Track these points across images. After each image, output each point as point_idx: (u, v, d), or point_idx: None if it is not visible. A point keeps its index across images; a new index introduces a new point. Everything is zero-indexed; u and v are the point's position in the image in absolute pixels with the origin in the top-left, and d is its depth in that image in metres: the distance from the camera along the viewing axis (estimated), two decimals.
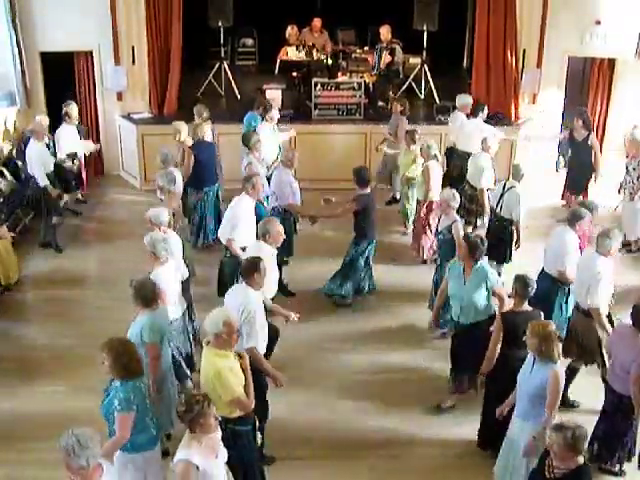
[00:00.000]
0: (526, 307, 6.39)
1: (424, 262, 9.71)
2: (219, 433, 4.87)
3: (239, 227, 7.97)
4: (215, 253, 9.84)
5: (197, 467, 4.61)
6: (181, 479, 4.63)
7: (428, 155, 9.54)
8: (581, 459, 4.74)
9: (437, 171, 9.59)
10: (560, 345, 5.53)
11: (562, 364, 5.72)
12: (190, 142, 10.06)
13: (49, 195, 9.94)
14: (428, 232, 9.55)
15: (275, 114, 10.38)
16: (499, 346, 6.36)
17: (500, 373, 6.33)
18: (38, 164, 9.88)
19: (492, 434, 6.35)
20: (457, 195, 8.20)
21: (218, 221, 9.97)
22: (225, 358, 5.36)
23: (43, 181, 9.88)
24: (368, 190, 8.66)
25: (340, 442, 6.80)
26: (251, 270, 6.28)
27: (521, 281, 6.34)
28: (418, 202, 9.95)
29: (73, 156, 10.71)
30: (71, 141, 10.79)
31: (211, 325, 5.35)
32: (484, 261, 6.98)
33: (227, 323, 5.32)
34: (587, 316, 6.89)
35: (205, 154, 10.03)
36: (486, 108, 10.98)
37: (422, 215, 9.66)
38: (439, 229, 8.25)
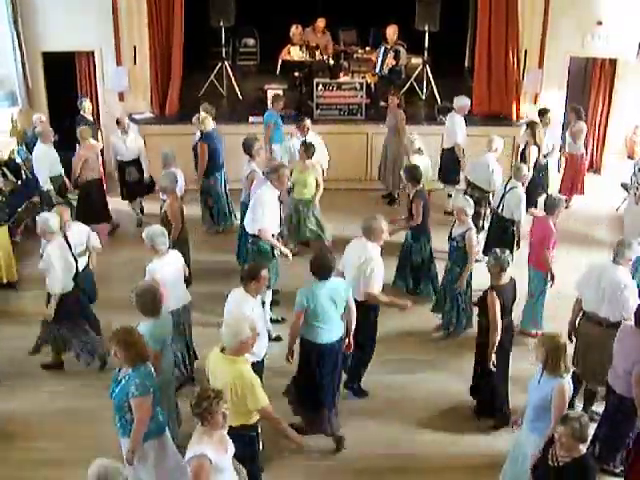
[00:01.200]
0: (506, 279, 6.62)
1: None
2: (226, 429, 4.88)
3: (265, 215, 8.00)
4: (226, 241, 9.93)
5: (210, 461, 4.63)
6: (196, 475, 4.64)
7: (412, 149, 9.81)
8: (584, 448, 4.83)
9: (422, 164, 9.64)
10: (569, 358, 5.49)
11: None
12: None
13: (49, 199, 9.94)
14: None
15: (309, 124, 10.28)
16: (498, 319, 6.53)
17: (485, 343, 6.69)
18: (42, 166, 9.89)
19: (483, 401, 6.98)
20: (472, 202, 8.19)
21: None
22: (246, 364, 5.36)
23: (46, 184, 9.89)
24: (421, 185, 8.80)
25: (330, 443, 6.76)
26: (250, 277, 6.26)
27: (493, 257, 6.59)
28: None
29: (133, 163, 10.68)
30: (126, 149, 10.67)
31: (236, 333, 5.26)
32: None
33: (253, 328, 5.36)
34: (608, 327, 6.64)
35: (215, 142, 10.42)
36: (548, 114, 10.87)
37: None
38: (453, 235, 8.19)
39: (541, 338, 5.57)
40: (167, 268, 6.99)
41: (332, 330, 6.41)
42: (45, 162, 9.91)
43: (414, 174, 8.78)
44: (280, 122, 11.12)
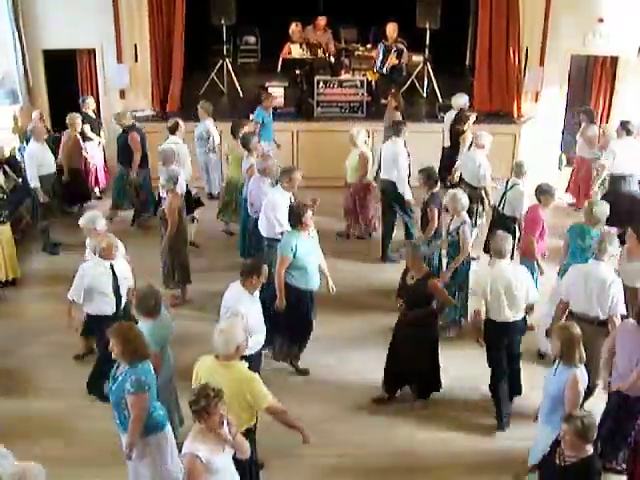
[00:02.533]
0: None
1: (360, 237, 10.48)
2: (226, 428, 4.78)
3: (282, 218, 7.94)
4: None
5: (202, 460, 4.58)
6: (187, 471, 4.63)
7: (357, 142, 9.94)
8: (590, 448, 4.84)
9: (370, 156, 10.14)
10: (583, 349, 5.52)
11: None
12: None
13: (37, 197, 9.89)
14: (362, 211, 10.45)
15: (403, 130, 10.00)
16: None
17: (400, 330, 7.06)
18: (31, 164, 9.79)
19: (394, 382, 7.21)
20: (465, 196, 8.17)
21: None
22: (243, 365, 5.33)
23: (34, 182, 9.77)
24: (437, 188, 8.76)
25: (337, 442, 6.76)
26: (252, 272, 6.26)
27: (411, 246, 6.81)
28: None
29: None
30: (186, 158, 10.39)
31: (230, 340, 5.22)
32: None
33: (245, 329, 5.38)
34: (599, 325, 6.68)
35: (142, 137, 10.74)
36: (633, 126, 10.38)
37: (352, 196, 10.39)
38: (450, 229, 8.17)
39: (554, 330, 5.63)
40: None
41: None
42: (35, 160, 9.79)
43: (430, 176, 8.69)
44: (270, 120, 11.09)
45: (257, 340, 6.36)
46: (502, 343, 6.83)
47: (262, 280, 6.35)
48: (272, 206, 8.02)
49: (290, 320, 7.34)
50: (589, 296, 6.67)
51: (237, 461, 5.02)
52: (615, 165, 10.26)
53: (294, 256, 7.15)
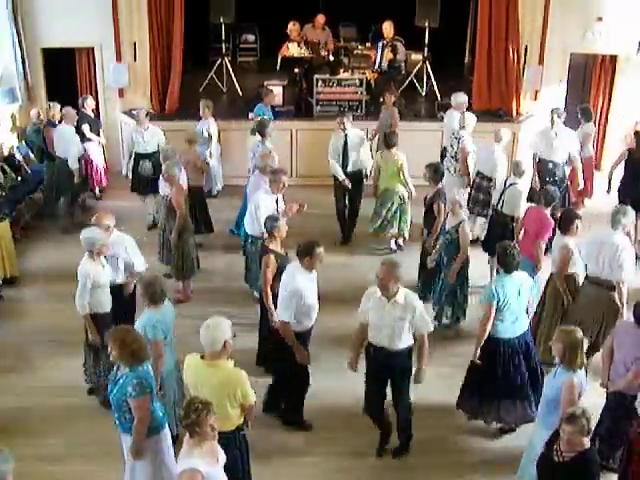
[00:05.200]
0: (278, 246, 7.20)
1: None
2: (216, 439, 4.77)
3: (261, 220, 8.00)
4: None
5: (202, 475, 4.54)
6: None
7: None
8: (587, 441, 4.87)
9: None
10: (585, 354, 5.57)
11: None
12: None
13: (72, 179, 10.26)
14: None
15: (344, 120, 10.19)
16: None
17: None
18: (73, 146, 10.20)
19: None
20: (464, 195, 8.21)
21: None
22: (230, 363, 5.32)
23: (75, 163, 10.19)
24: (441, 184, 8.77)
25: (337, 442, 6.77)
26: (306, 253, 6.42)
27: (270, 219, 7.15)
28: None
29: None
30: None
31: (217, 338, 5.21)
32: None
33: (230, 326, 5.38)
34: (608, 289, 7.25)
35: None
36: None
37: None
38: (447, 228, 8.16)
39: (559, 333, 5.63)
40: None
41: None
42: (72, 141, 10.23)
43: (437, 171, 8.68)
44: (270, 116, 11.10)
45: (311, 317, 6.58)
46: None
47: (317, 259, 6.46)
48: (258, 208, 8.12)
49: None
50: (602, 260, 7.26)
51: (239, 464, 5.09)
52: None
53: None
